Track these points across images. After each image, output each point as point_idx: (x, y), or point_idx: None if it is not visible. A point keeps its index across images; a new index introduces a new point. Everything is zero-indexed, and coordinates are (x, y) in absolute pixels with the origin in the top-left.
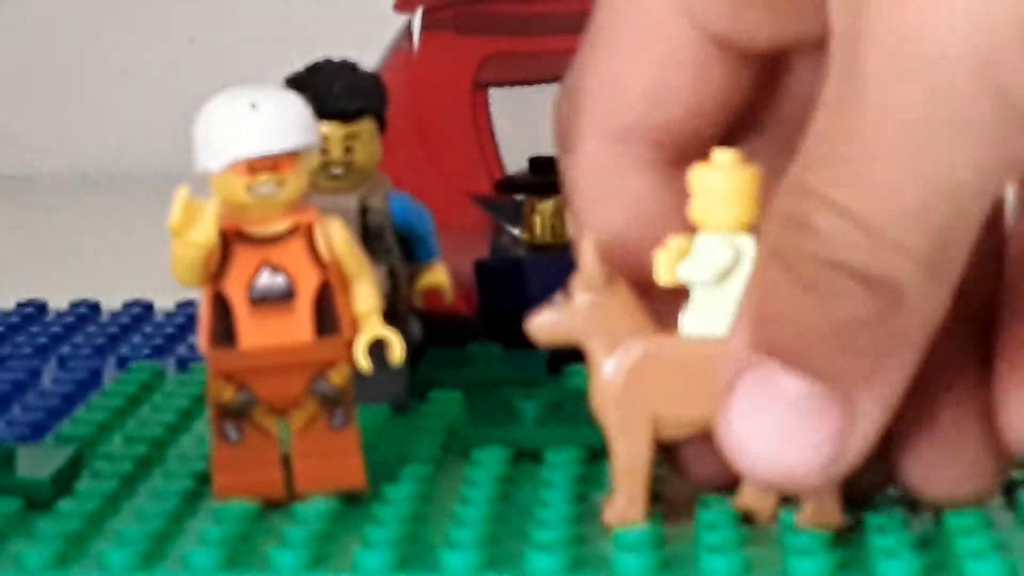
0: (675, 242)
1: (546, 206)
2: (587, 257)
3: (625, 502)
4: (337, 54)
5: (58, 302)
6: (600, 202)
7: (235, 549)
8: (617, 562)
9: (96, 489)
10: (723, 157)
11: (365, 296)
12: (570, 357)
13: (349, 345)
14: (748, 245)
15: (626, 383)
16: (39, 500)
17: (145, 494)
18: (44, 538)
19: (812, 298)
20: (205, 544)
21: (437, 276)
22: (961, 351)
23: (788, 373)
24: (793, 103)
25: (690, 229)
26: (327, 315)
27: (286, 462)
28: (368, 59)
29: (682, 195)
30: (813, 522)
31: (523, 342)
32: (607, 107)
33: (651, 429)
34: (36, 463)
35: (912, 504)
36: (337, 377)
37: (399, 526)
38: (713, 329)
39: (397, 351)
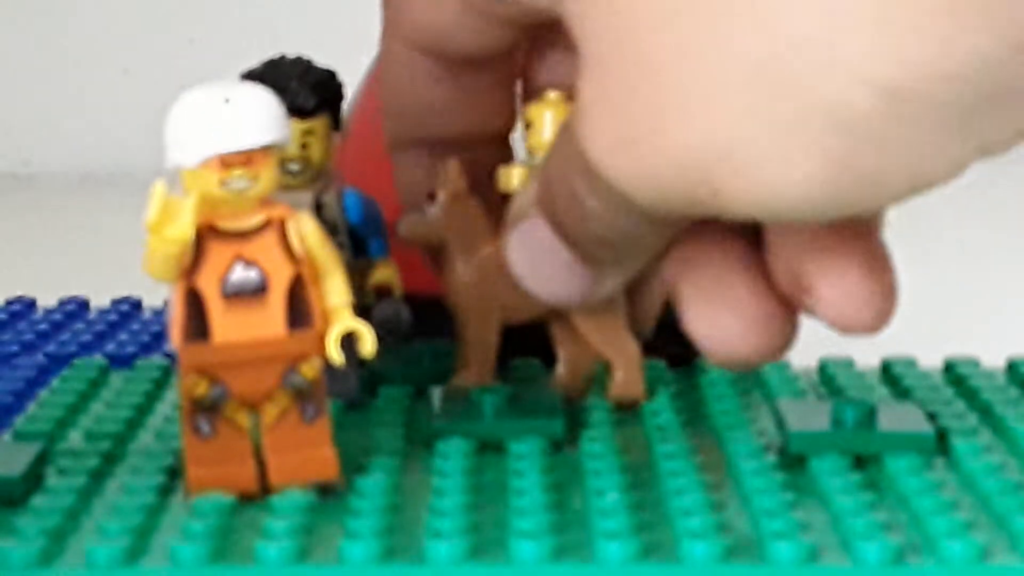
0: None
1: None
2: (452, 172)
3: (477, 370)
4: (337, 53)
5: (57, 298)
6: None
7: (220, 543)
8: (600, 548)
9: (67, 485)
10: (553, 95)
11: (337, 290)
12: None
13: (321, 338)
14: None
15: (478, 279)
16: (11, 497)
17: (117, 489)
18: (26, 535)
19: (572, 217)
20: (189, 538)
21: (386, 273)
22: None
23: (554, 235)
24: None
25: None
26: (299, 309)
27: (257, 456)
28: (368, 59)
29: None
30: (617, 394)
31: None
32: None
33: (498, 315)
34: (5, 460)
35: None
36: (309, 370)
37: (379, 517)
38: None
39: (368, 344)
